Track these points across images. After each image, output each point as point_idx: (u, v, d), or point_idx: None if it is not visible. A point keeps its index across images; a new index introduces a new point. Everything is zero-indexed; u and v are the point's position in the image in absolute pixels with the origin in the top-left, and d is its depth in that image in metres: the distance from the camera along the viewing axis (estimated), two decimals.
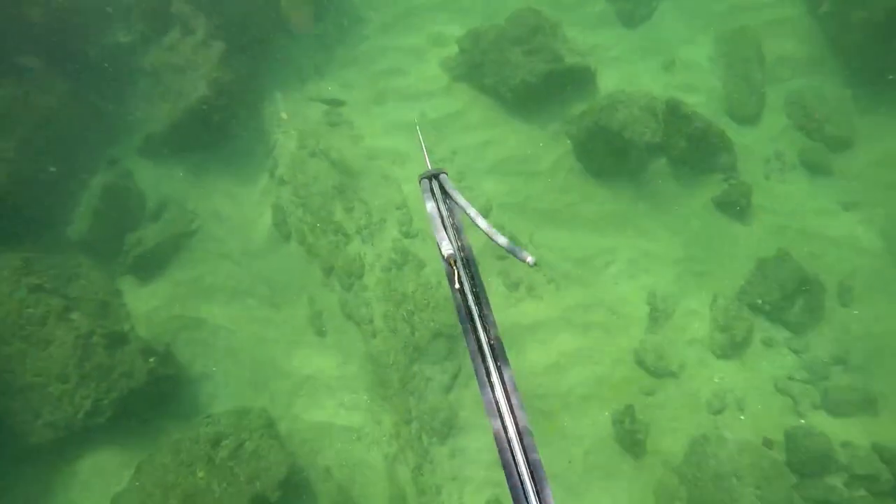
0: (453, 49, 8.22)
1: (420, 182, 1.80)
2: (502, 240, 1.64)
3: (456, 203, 1.73)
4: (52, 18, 7.39)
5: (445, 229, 1.65)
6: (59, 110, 7.53)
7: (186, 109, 7.02)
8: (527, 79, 7.56)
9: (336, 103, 7.80)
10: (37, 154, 7.31)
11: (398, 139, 7.77)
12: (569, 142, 7.66)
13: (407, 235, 7.05)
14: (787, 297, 6.32)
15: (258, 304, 7.27)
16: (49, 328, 6.25)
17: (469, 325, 1.53)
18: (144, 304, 7.34)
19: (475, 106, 7.98)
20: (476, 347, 1.48)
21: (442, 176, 1.79)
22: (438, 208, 1.72)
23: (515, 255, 1.59)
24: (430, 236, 7.02)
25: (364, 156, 7.65)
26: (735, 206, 7.09)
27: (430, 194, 1.77)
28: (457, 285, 1.58)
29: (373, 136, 7.80)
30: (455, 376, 6.49)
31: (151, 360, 6.39)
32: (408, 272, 6.82)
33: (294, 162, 7.65)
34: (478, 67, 7.89)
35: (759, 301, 6.48)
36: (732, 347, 6.38)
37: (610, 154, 7.31)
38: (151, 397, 6.39)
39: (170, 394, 6.66)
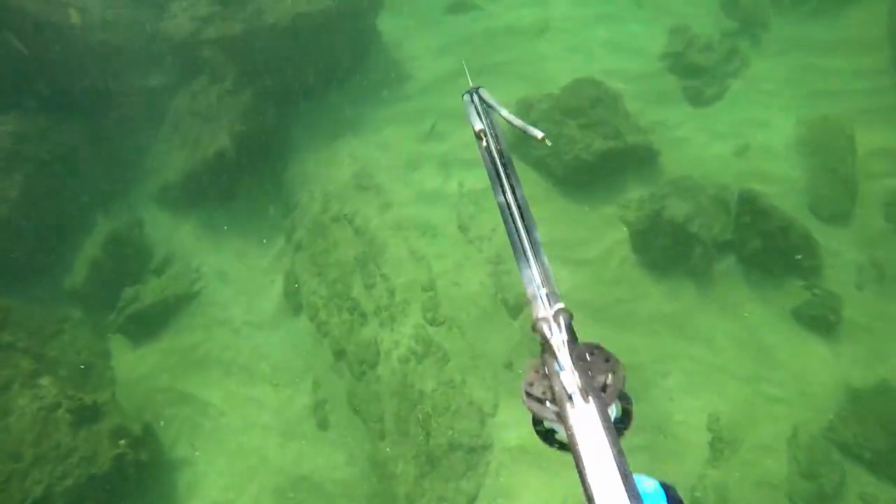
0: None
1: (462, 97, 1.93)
2: (519, 122, 1.75)
3: (493, 108, 1.85)
4: (82, 55, 7.03)
5: (479, 117, 1.78)
6: (75, 150, 7.07)
7: (203, 161, 6.45)
8: (582, 155, 6.78)
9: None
10: (43, 195, 6.80)
11: (431, 210, 7.01)
12: (625, 229, 6.77)
13: (432, 323, 6.16)
14: (894, 443, 5.12)
15: (255, 383, 6.42)
16: (11, 395, 5.48)
17: (497, 184, 1.56)
18: (132, 370, 6.58)
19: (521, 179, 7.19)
20: (504, 201, 1.50)
21: (481, 90, 1.91)
22: (477, 111, 1.83)
23: (527, 132, 1.72)
24: (457, 327, 6.11)
25: (391, 226, 6.89)
26: (820, 321, 6.00)
27: (470, 102, 1.89)
28: (484, 144, 1.67)
29: (403, 205, 7.07)
30: (473, 500, 5.41)
31: (122, 442, 5.53)
32: (428, 366, 5.88)
33: (315, 226, 6.95)
34: (527, 138, 7.14)
35: (855, 443, 5.28)
36: (820, 500, 5.16)
37: (671, 247, 6.37)
38: (116, 487, 5.48)
39: (141, 482, 5.76)
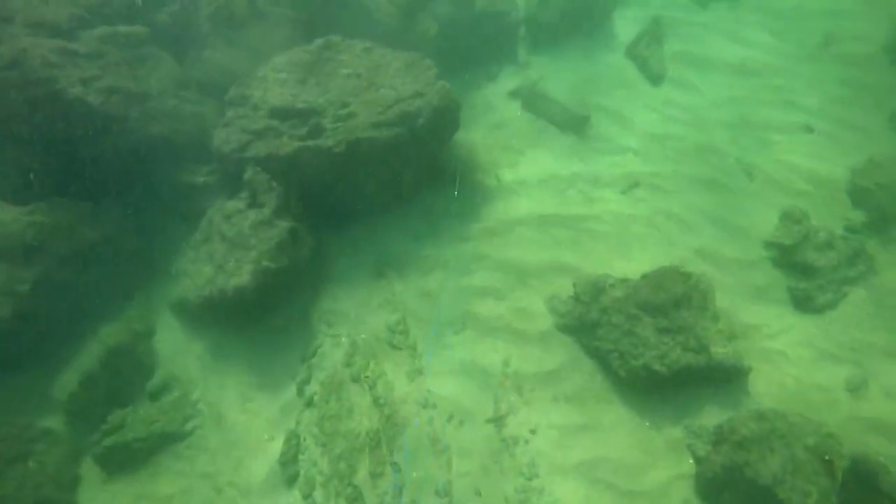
0: (567, 286, 6.58)
1: None
2: None
3: None
4: (136, 146, 6.66)
5: None
6: (103, 244, 6.64)
7: (221, 293, 5.81)
8: (654, 366, 5.71)
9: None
10: (57, 289, 6.35)
11: (465, 389, 6.10)
12: (691, 462, 5.59)
13: None
14: None
15: None
16: None
17: None
18: None
19: (575, 372, 6.18)
20: None
21: None
22: None
23: None
24: None
25: (417, 400, 6.01)
26: None
27: None
28: None
29: (436, 375, 6.18)
30: None
31: None
32: None
33: (332, 382, 6.15)
34: (592, 326, 6.15)
35: None
36: None
37: None
38: None
39: None
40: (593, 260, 6.95)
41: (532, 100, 8.21)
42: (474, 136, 8.06)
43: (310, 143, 6.15)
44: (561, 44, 9.31)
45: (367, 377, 6.18)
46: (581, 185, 7.61)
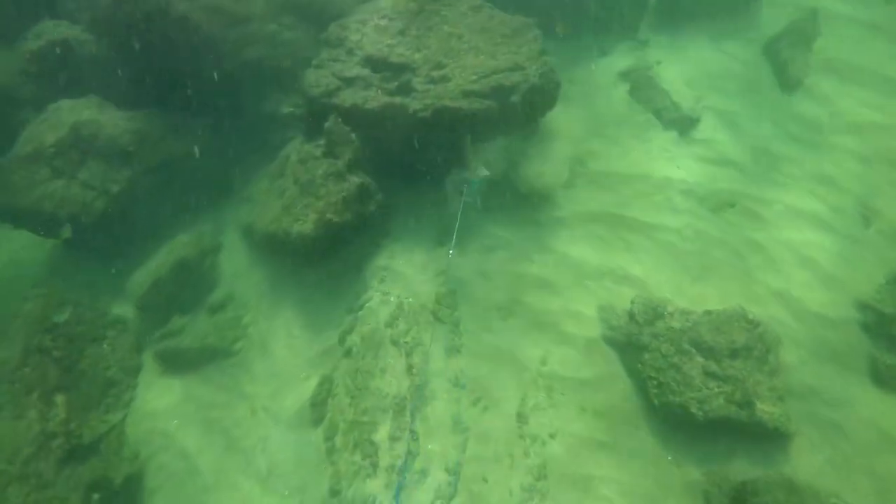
0: (626, 298, 6.36)
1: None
2: None
3: None
4: (232, 68, 6.83)
5: None
6: (184, 159, 6.99)
7: (285, 233, 6.07)
8: (690, 407, 5.55)
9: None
10: (143, 194, 6.84)
11: (498, 376, 6.21)
12: None
13: None
14: None
15: (248, 475, 6.18)
16: (28, 403, 5.62)
17: None
18: (151, 398, 6.60)
19: (610, 387, 6.11)
20: None
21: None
22: None
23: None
24: None
25: (449, 377, 6.18)
26: None
27: None
28: None
29: (472, 356, 6.29)
30: None
31: (95, 496, 5.52)
32: None
33: (372, 338, 6.41)
34: (640, 348, 5.98)
35: None
36: None
37: None
38: None
39: None
40: (661, 276, 6.64)
41: (641, 87, 7.60)
42: (571, 115, 7.64)
43: (396, 99, 6.06)
44: (693, 24, 8.40)
45: (406, 342, 6.38)
46: (670, 192, 7.14)
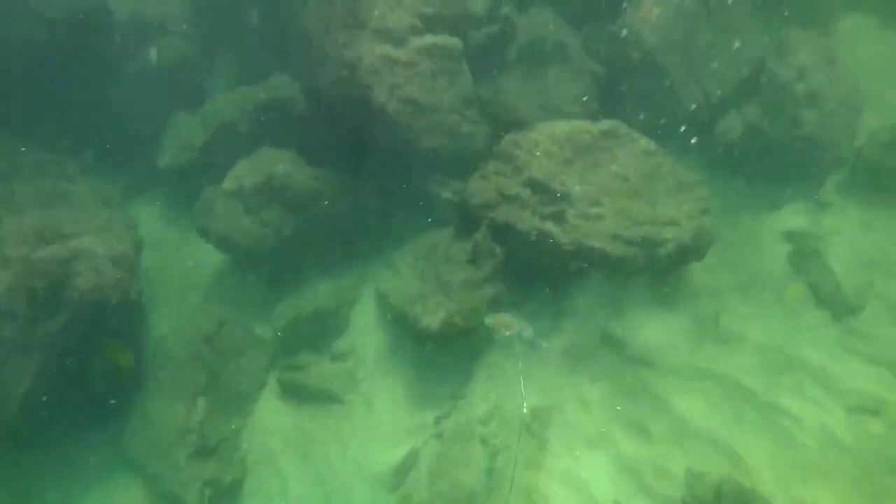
0: (720, 470, 6.22)
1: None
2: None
3: None
4: (401, 139, 7.64)
5: None
6: (348, 215, 8.00)
7: (414, 319, 6.69)
8: None
9: None
10: (306, 238, 7.92)
11: (570, 498, 6.31)
12: None
13: None
14: None
15: None
16: (182, 396, 6.92)
17: None
18: (267, 417, 7.69)
19: None
20: None
21: None
22: None
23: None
24: None
25: (522, 491, 6.47)
26: None
27: None
28: None
29: (550, 477, 6.52)
30: None
31: (208, 492, 6.67)
32: None
33: (464, 430, 6.91)
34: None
35: None
36: None
37: None
38: None
39: None
40: (766, 465, 6.36)
41: (804, 254, 7.21)
42: (717, 269, 7.45)
43: (547, 226, 6.43)
44: (889, 194, 7.70)
45: (494, 444, 6.79)
46: (803, 376, 6.78)
